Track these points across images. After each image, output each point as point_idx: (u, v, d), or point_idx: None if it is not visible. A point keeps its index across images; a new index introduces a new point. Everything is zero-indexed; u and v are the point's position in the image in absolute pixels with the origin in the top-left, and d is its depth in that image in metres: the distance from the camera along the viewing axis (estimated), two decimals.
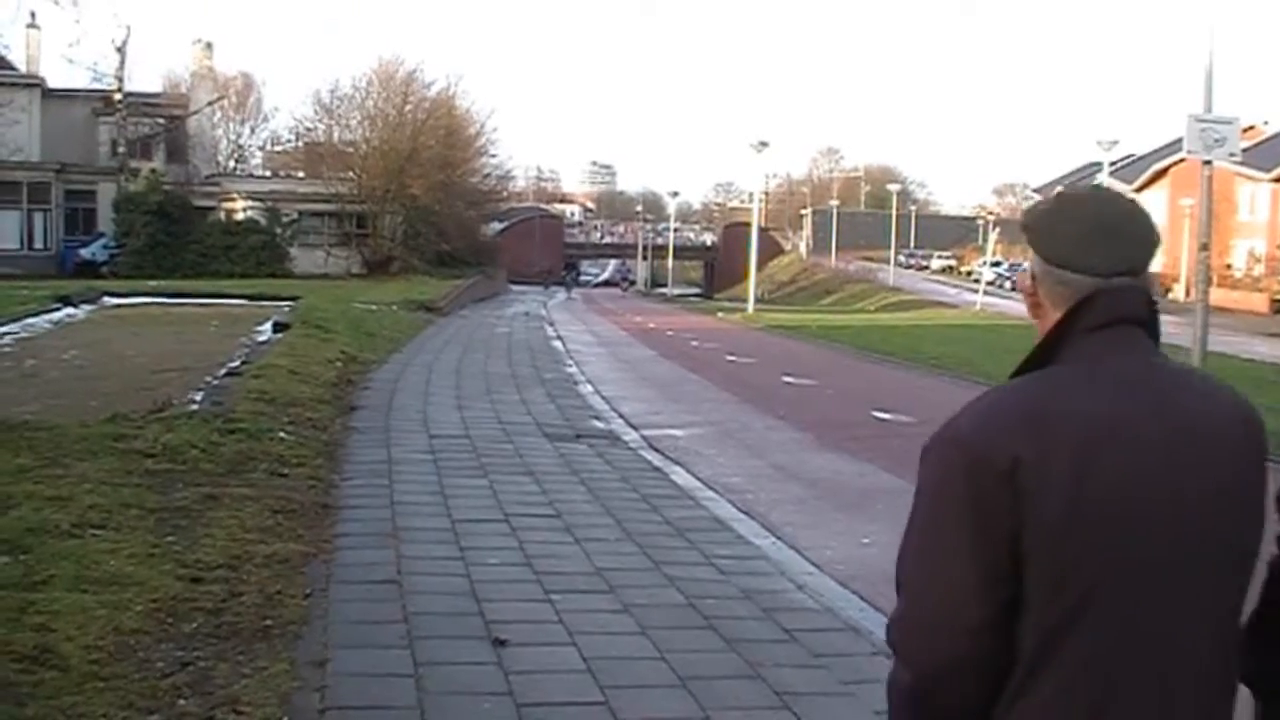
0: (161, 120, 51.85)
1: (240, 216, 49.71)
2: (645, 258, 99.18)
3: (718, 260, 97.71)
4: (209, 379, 14.44)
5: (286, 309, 26.84)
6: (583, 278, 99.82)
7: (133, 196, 46.08)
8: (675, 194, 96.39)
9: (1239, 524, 1.97)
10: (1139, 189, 73.46)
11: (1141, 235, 2.05)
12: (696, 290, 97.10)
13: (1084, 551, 1.82)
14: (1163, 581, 1.87)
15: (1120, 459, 1.85)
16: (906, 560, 1.94)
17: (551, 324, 36.44)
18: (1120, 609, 1.85)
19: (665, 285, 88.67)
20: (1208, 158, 15.61)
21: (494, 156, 65.57)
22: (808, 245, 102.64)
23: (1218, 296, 40.05)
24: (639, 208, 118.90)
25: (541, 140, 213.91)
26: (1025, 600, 1.82)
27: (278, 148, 66.60)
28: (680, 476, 9.97)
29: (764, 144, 45.79)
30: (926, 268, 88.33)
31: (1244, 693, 2.27)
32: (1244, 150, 18.05)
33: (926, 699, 1.90)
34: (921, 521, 1.91)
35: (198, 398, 12.42)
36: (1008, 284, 66.52)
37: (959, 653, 1.85)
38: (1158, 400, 1.92)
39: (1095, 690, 1.83)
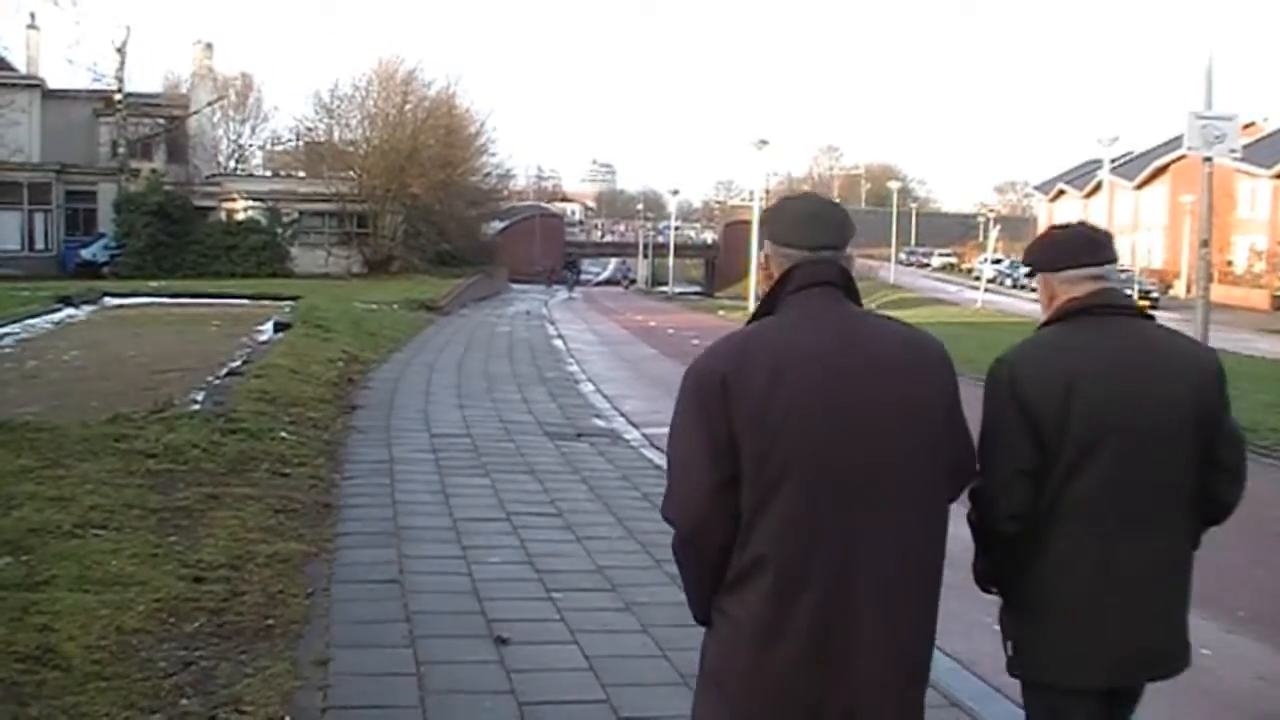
0: (162, 120, 51.87)
1: (241, 216, 49.67)
2: (646, 256, 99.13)
3: (718, 258, 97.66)
4: (210, 379, 14.45)
5: (287, 309, 26.86)
6: (584, 276, 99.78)
7: (133, 197, 46.06)
8: (675, 192, 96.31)
9: (913, 441, 2.61)
10: (1139, 186, 73.58)
11: (836, 222, 2.83)
12: (697, 288, 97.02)
13: (774, 443, 2.52)
14: (841, 483, 2.54)
15: (804, 378, 2.56)
16: (669, 449, 2.69)
17: (552, 323, 36.44)
18: (802, 498, 2.53)
19: (666, 283, 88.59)
20: (1208, 154, 15.59)
21: (494, 155, 65.62)
22: None
23: (1218, 293, 40.00)
24: (640, 206, 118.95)
25: (542, 139, 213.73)
26: (742, 476, 2.52)
27: (278, 147, 66.65)
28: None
29: (764, 142, 45.60)
30: (927, 265, 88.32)
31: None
32: (1244, 147, 18.05)
33: (690, 541, 2.66)
34: (676, 421, 2.64)
35: (199, 398, 12.43)
36: (1009, 281, 66.64)
37: (703, 510, 2.57)
38: (845, 339, 2.64)
39: (789, 552, 2.53)
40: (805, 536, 2.55)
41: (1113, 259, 3.34)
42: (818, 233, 2.78)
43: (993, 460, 3.05)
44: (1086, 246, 3.31)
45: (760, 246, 2.87)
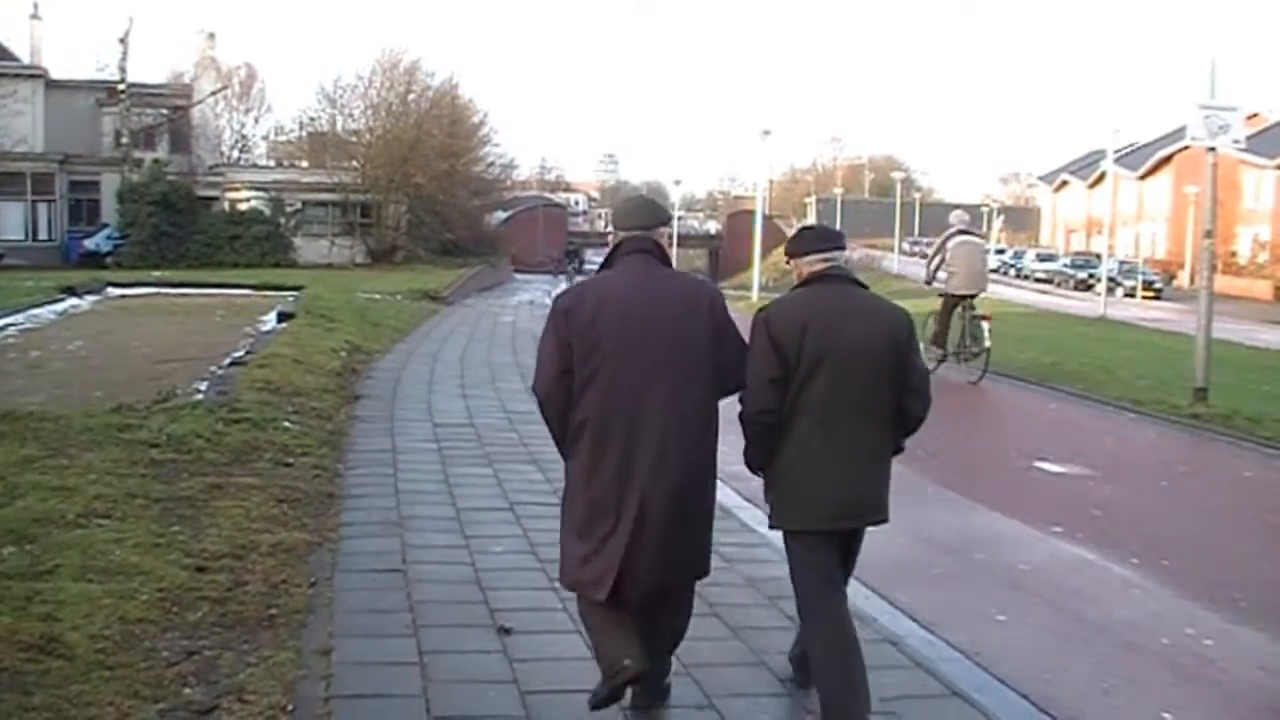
0: (165, 110, 51.83)
1: (244, 206, 49.59)
2: None
3: (722, 248, 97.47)
4: (213, 369, 14.47)
5: (291, 299, 26.86)
6: (586, 265, 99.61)
7: (136, 187, 45.98)
8: (679, 182, 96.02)
9: (683, 348, 4.47)
10: (1143, 176, 73.42)
11: (648, 212, 4.75)
12: (701, 278, 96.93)
13: (593, 348, 4.39)
14: (640, 365, 4.39)
15: (614, 309, 4.41)
16: (537, 350, 4.58)
17: None
18: (610, 377, 4.39)
19: None
20: (1212, 145, 15.52)
21: (498, 146, 65.48)
22: None
23: (1222, 284, 39.96)
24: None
25: (546, 130, 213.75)
26: (574, 368, 4.40)
27: (281, 137, 66.56)
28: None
29: (767, 132, 45.58)
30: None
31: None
32: (1248, 137, 17.99)
33: (544, 406, 4.56)
34: (541, 336, 4.57)
35: (202, 387, 12.45)
36: (1012, 272, 66.51)
37: (550, 388, 4.48)
38: (645, 286, 4.50)
39: (602, 413, 4.40)
40: (610, 406, 4.40)
41: (840, 247, 4.91)
42: (635, 219, 4.70)
43: (753, 373, 4.63)
44: (820, 240, 4.93)
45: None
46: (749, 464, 4.83)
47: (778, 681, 5.21)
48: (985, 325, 16.77)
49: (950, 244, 16.86)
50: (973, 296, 16.91)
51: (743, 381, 4.60)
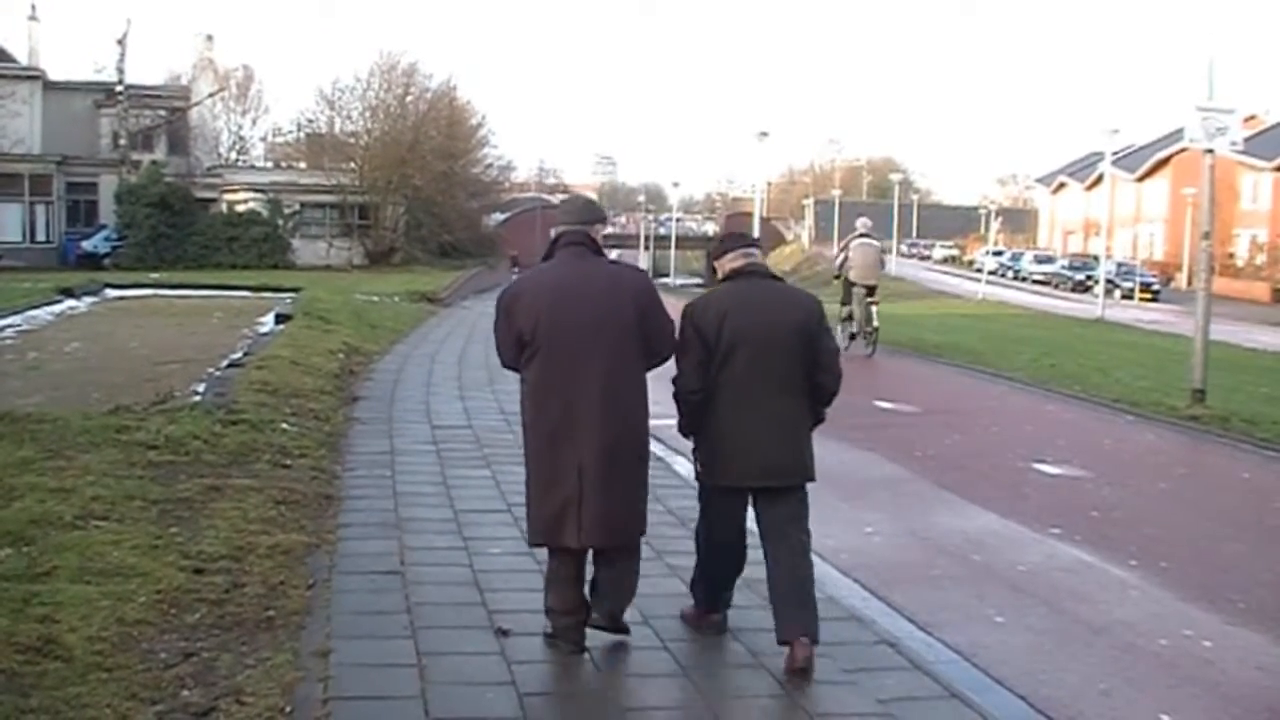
0: (163, 112, 51.82)
1: (242, 208, 49.51)
2: (648, 248, 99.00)
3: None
4: (211, 370, 14.45)
5: (288, 300, 26.82)
6: None
7: (134, 188, 45.95)
8: (677, 184, 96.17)
9: (610, 324, 5.18)
10: (1141, 178, 73.47)
11: (581, 209, 5.62)
12: (699, 280, 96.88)
13: (536, 327, 5.18)
14: (573, 341, 5.15)
15: (552, 295, 5.22)
16: (494, 330, 5.42)
17: None
18: (553, 351, 5.17)
19: (668, 275, 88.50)
20: (1210, 147, 15.53)
21: (496, 148, 65.43)
22: (810, 235, 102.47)
23: (1220, 285, 40.01)
24: (641, 198, 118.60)
25: (544, 132, 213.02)
26: (524, 342, 5.23)
27: (279, 139, 66.40)
28: (682, 466, 9.94)
29: (764, 134, 45.66)
30: (929, 257, 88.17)
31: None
32: (1246, 139, 18.01)
33: (504, 364, 5.46)
34: (495, 321, 5.41)
35: (200, 389, 12.42)
36: (1010, 274, 66.54)
37: (508, 357, 5.39)
38: (578, 274, 5.28)
39: (545, 377, 5.21)
40: (550, 372, 5.23)
41: (757, 246, 5.81)
42: (572, 216, 5.53)
43: (683, 358, 5.49)
44: (739, 240, 5.80)
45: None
46: (681, 430, 5.71)
47: (776, 683, 5.21)
48: (874, 309, 20.95)
49: (853, 245, 21.63)
50: (869, 287, 21.01)
51: (671, 349, 5.47)
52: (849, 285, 21.17)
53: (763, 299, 5.51)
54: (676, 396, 5.55)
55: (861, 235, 21.54)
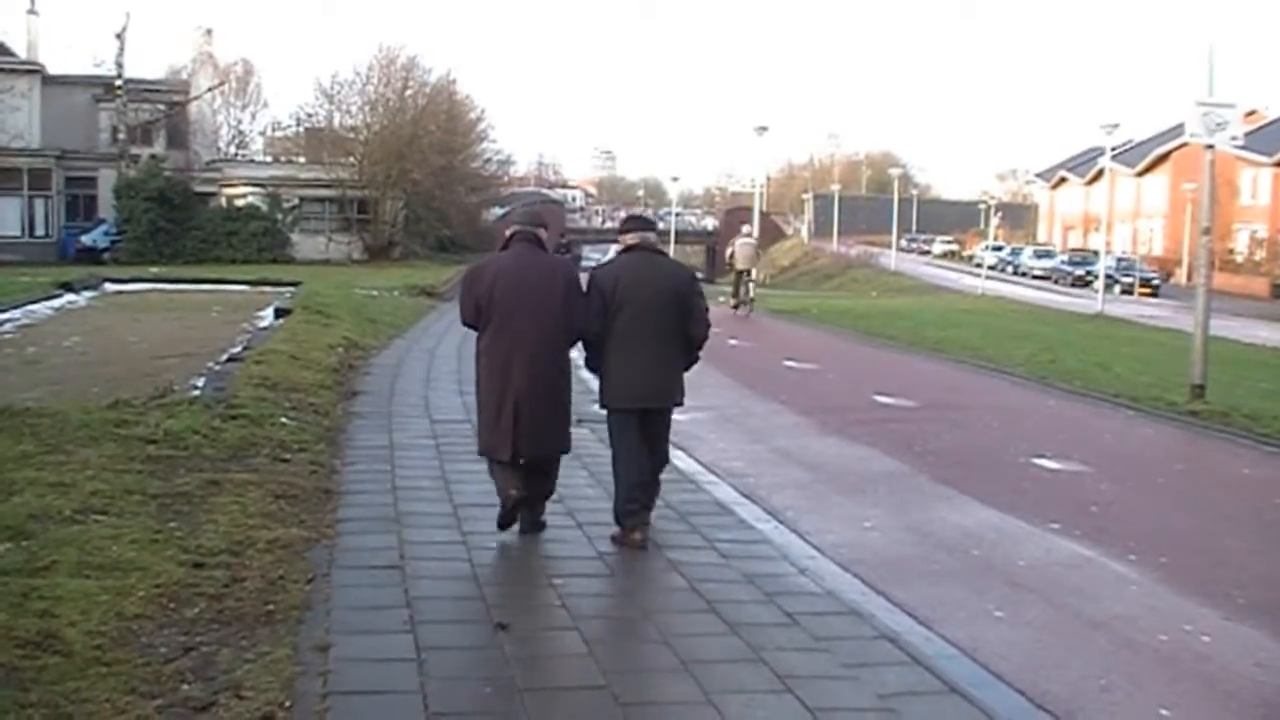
0: (162, 106, 51.72)
1: (241, 202, 49.48)
2: None
3: (719, 245, 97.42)
4: (210, 365, 14.45)
5: (288, 295, 26.83)
6: (584, 262, 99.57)
7: (133, 182, 45.92)
8: (676, 179, 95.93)
9: (544, 302, 7.16)
10: (1140, 173, 73.39)
11: (532, 215, 7.89)
12: (699, 274, 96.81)
13: (489, 301, 7.17)
14: (515, 310, 7.11)
15: (503, 278, 7.21)
16: (458, 301, 7.54)
17: None
18: (498, 320, 7.16)
19: None
20: (1210, 142, 15.53)
21: (495, 142, 65.33)
22: (809, 230, 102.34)
23: (1219, 280, 39.99)
24: (640, 193, 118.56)
25: (543, 126, 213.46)
26: (483, 310, 7.22)
27: (279, 133, 66.26)
28: (682, 460, 9.96)
29: (764, 128, 45.48)
30: (928, 252, 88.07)
31: None
32: (1245, 135, 17.96)
33: (464, 322, 7.48)
34: (458, 291, 7.72)
35: (199, 384, 12.41)
36: (1009, 269, 66.49)
37: (469, 319, 7.38)
38: (524, 263, 7.28)
39: (493, 343, 7.19)
40: (498, 338, 7.09)
41: (652, 228, 7.87)
42: (523, 219, 7.53)
43: (589, 309, 7.22)
44: (637, 223, 7.77)
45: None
46: (588, 365, 7.59)
47: (776, 678, 5.21)
48: (753, 285, 31.24)
49: (737, 242, 31.46)
50: (747, 271, 30.84)
51: (580, 322, 7.25)
52: (736, 271, 31.48)
53: (649, 268, 7.35)
54: (581, 336, 7.33)
55: (744, 237, 31.64)
